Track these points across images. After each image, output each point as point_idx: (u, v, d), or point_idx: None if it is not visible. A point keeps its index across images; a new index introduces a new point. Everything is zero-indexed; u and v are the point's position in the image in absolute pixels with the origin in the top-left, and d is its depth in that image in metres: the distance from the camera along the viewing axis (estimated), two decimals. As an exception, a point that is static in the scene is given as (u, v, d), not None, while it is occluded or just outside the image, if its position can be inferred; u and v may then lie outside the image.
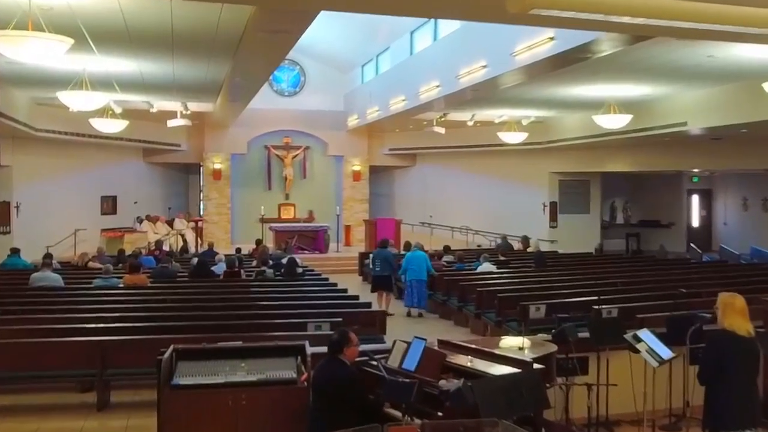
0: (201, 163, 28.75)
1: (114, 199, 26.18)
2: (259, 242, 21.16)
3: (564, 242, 25.28)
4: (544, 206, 26.70)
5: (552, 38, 11.89)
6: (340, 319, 10.15)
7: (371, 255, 17.72)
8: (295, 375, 6.63)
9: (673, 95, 17.52)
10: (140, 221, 25.00)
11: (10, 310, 11.20)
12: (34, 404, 9.05)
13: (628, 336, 7.45)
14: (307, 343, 7.02)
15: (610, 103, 17.08)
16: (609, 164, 25.26)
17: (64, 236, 22.54)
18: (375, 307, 13.55)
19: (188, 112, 21.43)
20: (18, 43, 8.82)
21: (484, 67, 14.97)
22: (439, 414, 5.59)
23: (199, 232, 26.00)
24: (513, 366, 6.11)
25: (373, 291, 16.46)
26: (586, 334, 7.98)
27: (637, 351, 7.34)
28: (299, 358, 6.85)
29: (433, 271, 16.31)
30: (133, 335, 9.47)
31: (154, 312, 11.29)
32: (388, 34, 22.85)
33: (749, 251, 21.79)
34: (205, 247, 22.48)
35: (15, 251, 17.24)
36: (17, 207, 21.31)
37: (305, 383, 6.49)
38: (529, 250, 22.00)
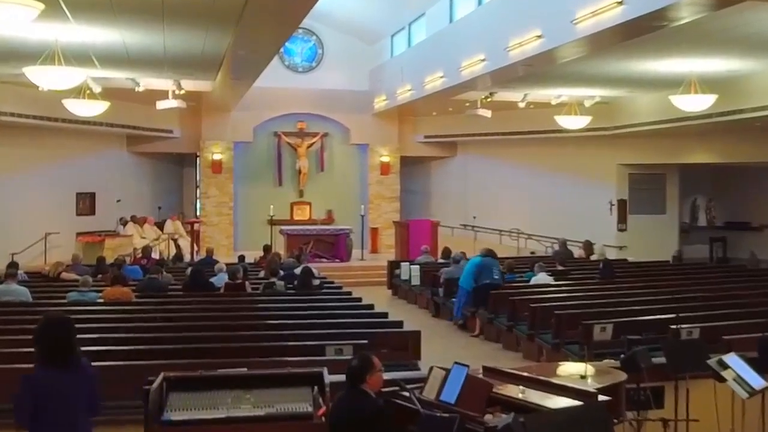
0: (198, 154, 28.96)
1: (92, 196, 26.26)
2: (267, 249, 21.26)
3: (635, 248, 25.11)
4: (611, 205, 26.54)
5: (620, 2, 11.89)
6: (365, 341, 10.19)
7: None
8: (310, 408, 6.64)
9: (767, 71, 17.39)
10: (124, 223, 25.18)
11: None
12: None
13: (712, 362, 7.43)
14: (325, 370, 7.07)
15: (690, 81, 16.97)
16: (689, 155, 25.08)
17: (32, 241, 22.71)
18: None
19: (182, 92, 21.54)
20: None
21: (539, 37, 14.97)
22: (484, 455, 5.60)
23: (195, 236, 26.10)
24: (573, 398, 6.11)
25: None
26: (662, 360, 7.96)
27: (723, 379, 7.31)
28: (316, 388, 6.86)
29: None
30: (115, 360, 9.49)
31: (140, 333, 11.36)
32: (423, -2, 22.90)
33: None
34: (203, 254, 22.61)
35: (-25, 260, 17.45)
36: (-24, 207, 21.58)
37: (323, 418, 6.50)
38: (592, 258, 21.89)
